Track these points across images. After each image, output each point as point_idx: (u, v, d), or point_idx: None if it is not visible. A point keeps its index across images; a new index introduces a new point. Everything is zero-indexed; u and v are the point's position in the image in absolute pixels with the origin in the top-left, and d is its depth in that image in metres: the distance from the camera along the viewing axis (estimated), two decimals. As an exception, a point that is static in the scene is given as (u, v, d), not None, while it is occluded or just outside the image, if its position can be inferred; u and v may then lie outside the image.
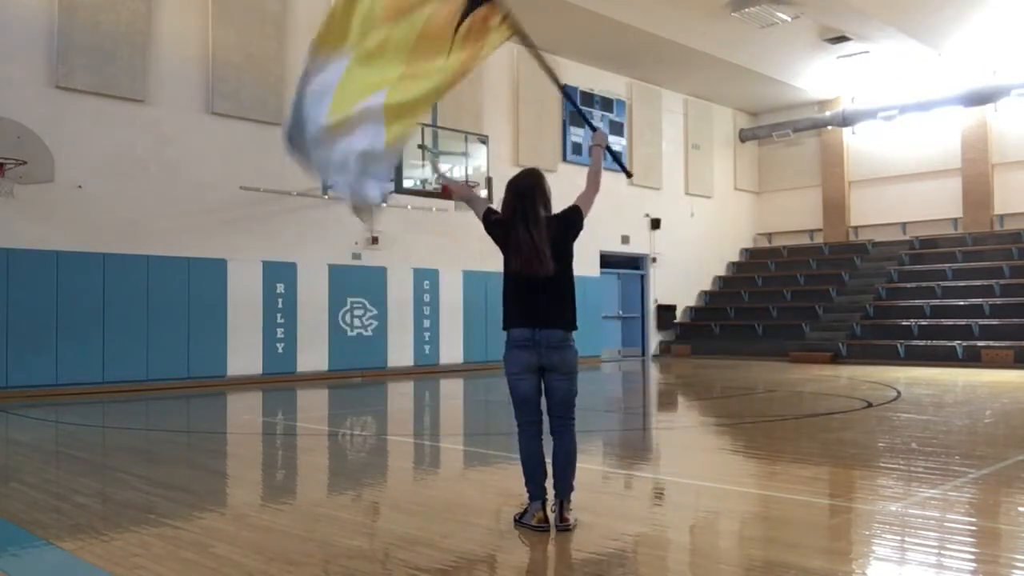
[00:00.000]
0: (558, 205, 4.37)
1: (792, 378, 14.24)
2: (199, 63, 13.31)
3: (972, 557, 3.86)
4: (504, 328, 4.32)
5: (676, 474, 6.26)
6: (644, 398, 12.56)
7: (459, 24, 4.16)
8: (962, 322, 17.48)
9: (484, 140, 14.32)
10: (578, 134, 19.01)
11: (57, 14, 11.78)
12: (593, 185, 4.44)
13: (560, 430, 4.28)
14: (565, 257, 4.28)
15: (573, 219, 4.32)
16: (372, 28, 4.13)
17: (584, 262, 18.00)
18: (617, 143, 19.98)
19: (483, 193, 13.87)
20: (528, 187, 4.27)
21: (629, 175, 4.64)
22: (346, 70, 4.10)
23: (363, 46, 4.12)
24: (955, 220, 21.16)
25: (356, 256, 15.13)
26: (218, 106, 13.40)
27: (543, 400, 4.30)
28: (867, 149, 22.52)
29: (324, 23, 4.19)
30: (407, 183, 13.12)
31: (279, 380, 13.70)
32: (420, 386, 13.67)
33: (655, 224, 21.05)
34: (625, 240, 20.43)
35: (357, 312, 15.01)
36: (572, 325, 4.26)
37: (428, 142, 13.38)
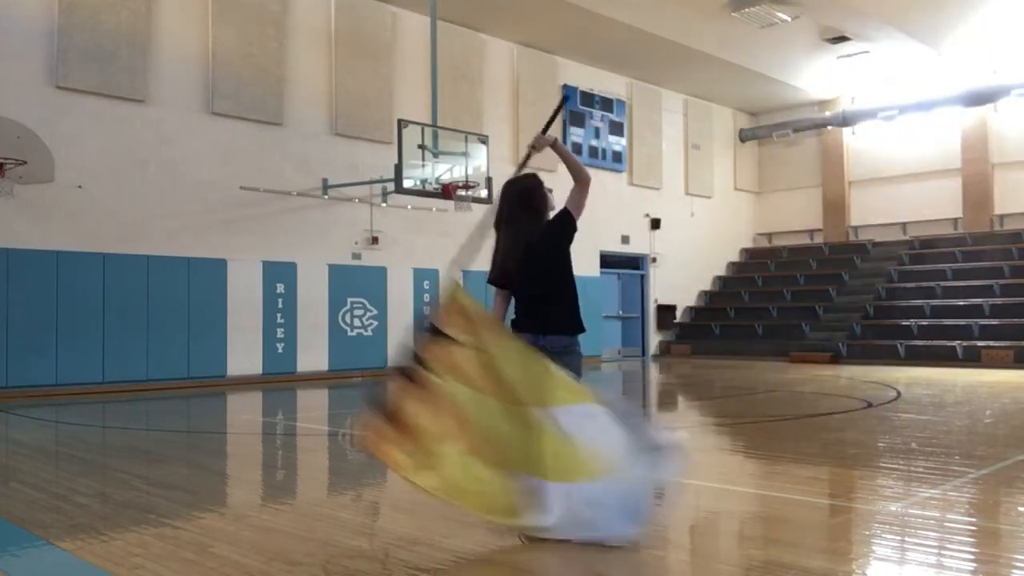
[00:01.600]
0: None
1: (792, 378, 14.23)
2: (199, 63, 13.31)
3: (972, 557, 3.86)
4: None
5: (676, 474, 6.24)
6: (644, 398, 12.56)
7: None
8: (962, 322, 17.48)
9: (484, 140, 14.30)
10: (578, 134, 18.99)
11: (57, 14, 11.78)
12: (578, 180, 4.26)
13: (561, 431, 4.28)
14: (557, 262, 4.23)
15: (563, 223, 4.24)
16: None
17: (584, 262, 18.00)
18: (617, 143, 19.99)
19: (483, 193, 13.88)
20: (508, 192, 4.27)
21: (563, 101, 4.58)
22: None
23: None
24: (955, 220, 21.16)
25: (356, 256, 15.14)
26: (218, 106, 13.40)
27: None
28: (867, 149, 22.51)
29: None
30: (407, 183, 13.10)
31: (279, 380, 13.70)
32: (420, 386, 13.64)
33: (655, 224, 21.05)
34: (625, 240, 20.43)
35: (357, 312, 15.01)
36: (576, 330, 4.24)
37: (428, 142, 13.36)
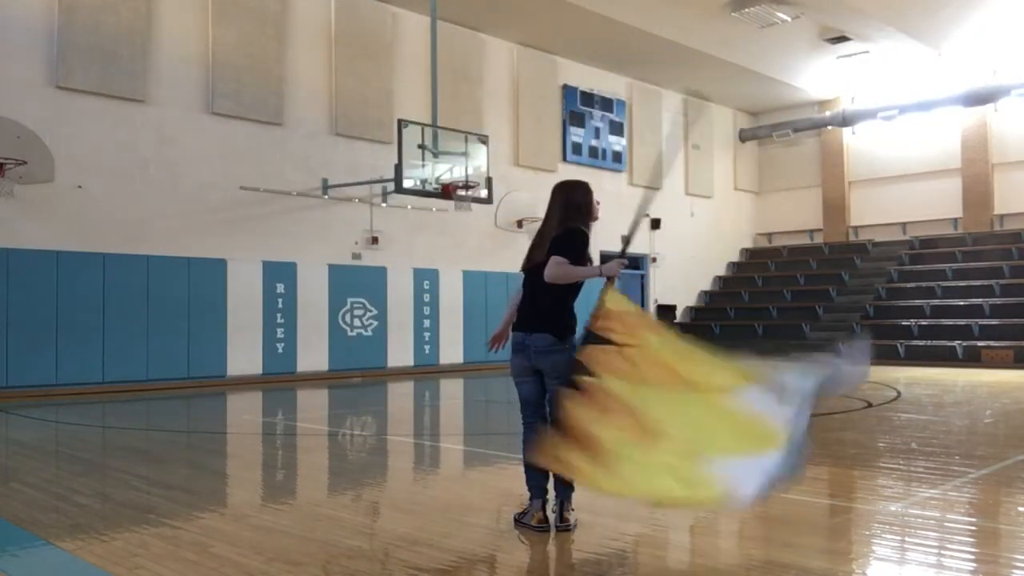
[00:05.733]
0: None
1: (792, 378, 14.20)
2: (199, 63, 13.31)
3: (972, 557, 3.86)
4: None
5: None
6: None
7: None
8: (962, 322, 17.48)
9: (484, 140, 14.30)
10: (578, 134, 18.99)
11: (57, 14, 11.78)
12: (555, 275, 4.25)
13: (560, 430, 4.29)
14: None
15: (557, 247, 4.26)
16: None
17: (584, 262, 17.94)
18: (617, 143, 19.97)
19: (483, 193, 13.89)
20: (558, 189, 4.44)
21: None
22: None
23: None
24: (955, 220, 21.16)
25: (356, 256, 15.13)
26: (218, 106, 13.41)
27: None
28: (867, 149, 22.51)
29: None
30: (407, 183, 13.10)
31: (279, 380, 13.70)
32: (420, 386, 13.67)
33: (655, 224, 21.03)
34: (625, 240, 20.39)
35: (357, 312, 15.01)
36: (561, 331, 4.26)
37: (428, 142, 13.36)
